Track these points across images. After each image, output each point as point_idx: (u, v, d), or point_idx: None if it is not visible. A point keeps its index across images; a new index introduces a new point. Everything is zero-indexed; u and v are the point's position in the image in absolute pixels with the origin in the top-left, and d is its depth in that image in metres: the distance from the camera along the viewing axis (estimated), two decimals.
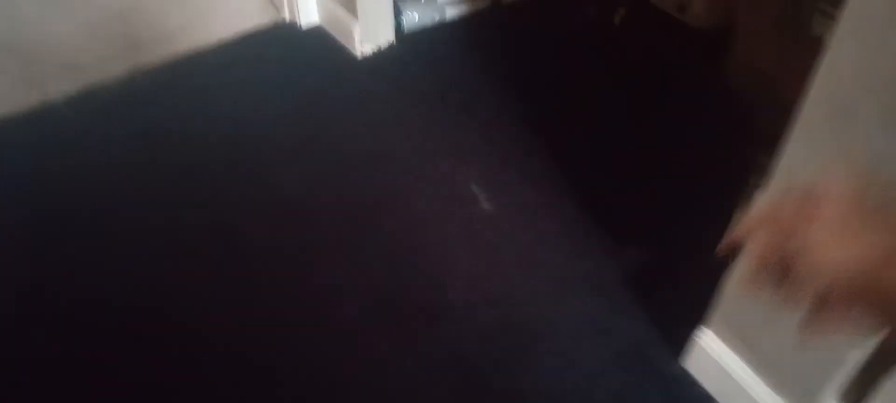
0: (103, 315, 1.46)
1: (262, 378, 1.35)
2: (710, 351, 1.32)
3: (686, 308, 1.36)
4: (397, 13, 2.14)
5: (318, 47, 2.16)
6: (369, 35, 2.09)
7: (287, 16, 2.24)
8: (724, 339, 1.30)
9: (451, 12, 2.24)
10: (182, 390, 1.34)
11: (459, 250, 1.60)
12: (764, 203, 0.79)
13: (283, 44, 2.18)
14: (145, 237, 1.60)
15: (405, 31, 2.18)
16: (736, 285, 1.22)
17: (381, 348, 1.42)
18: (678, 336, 1.38)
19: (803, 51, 1.10)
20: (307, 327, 1.45)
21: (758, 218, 0.73)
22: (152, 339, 1.41)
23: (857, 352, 1.10)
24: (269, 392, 1.34)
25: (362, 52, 2.10)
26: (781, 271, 0.68)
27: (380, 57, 2.12)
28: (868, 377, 1.16)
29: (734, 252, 0.95)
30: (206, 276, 1.53)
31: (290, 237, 1.62)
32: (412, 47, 2.16)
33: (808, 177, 1.00)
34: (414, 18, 2.17)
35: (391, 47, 2.14)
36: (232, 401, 1.34)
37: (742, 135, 1.72)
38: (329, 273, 1.55)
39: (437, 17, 2.22)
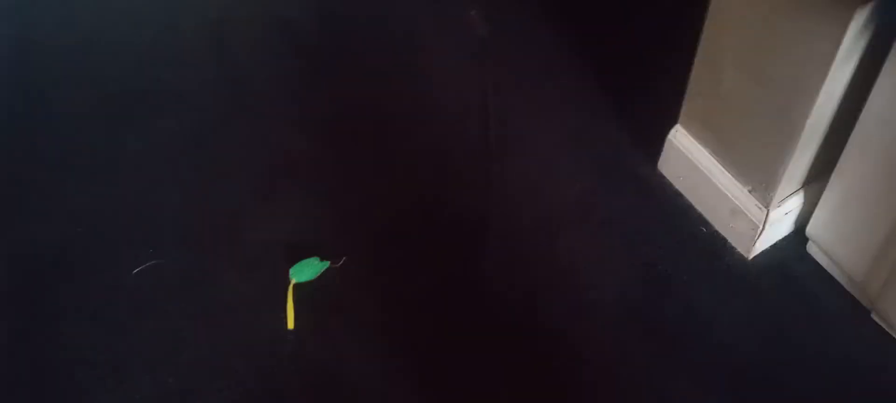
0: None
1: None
2: (681, 148, 1.37)
3: (664, 117, 1.42)
4: None
5: None
6: None
7: None
8: (693, 134, 1.36)
9: None
10: None
11: (453, 68, 1.68)
12: None
13: None
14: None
15: None
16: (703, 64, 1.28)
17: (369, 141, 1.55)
18: (656, 142, 1.44)
19: None
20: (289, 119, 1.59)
21: None
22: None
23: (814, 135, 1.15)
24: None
25: None
26: None
27: None
28: (824, 164, 1.21)
29: None
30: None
31: (293, 61, 1.73)
32: None
33: None
34: None
35: None
36: None
37: None
38: (330, 87, 1.66)
39: None
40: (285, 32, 1.78)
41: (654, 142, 1.43)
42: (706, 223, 1.36)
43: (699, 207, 1.38)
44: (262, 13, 1.83)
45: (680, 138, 1.38)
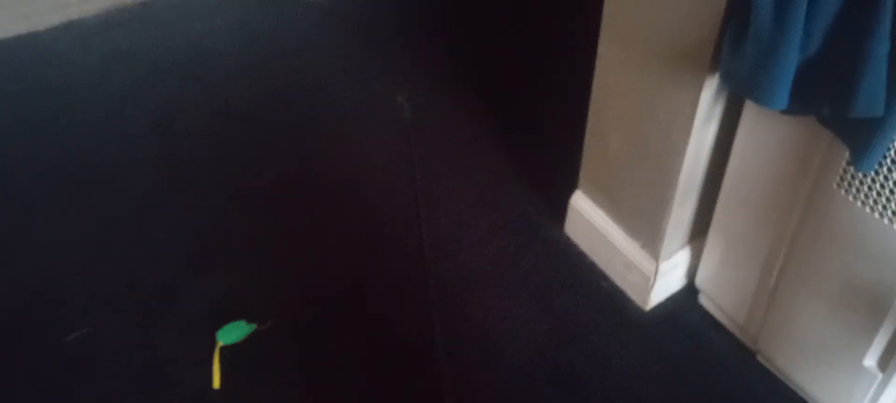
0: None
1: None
2: (581, 211, 1.51)
3: (569, 182, 1.56)
4: None
5: None
6: None
7: None
8: (590, 196, 1.50)
9: None
10: None
11: (379, 145, 1.82)
12: None
13: None
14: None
15: None
16: (592, 137, 1.43)
17: (298, 212, 1.66)
18: (562, 205, 1.58)
19: None
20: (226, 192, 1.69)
21: None
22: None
23: (689, 192, 1.30)
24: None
25: None
26: None
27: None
28: (706, 220, 1.36)
29: None
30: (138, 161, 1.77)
31: (230, 134, 1.85)
32: None
33: None
34: None
35: None
36: None
37: None
38: (263, 160, 1.78)
39: None
40: (226, 116, 1.91)
41: (561, 204, 1.57)
42: (606, 278, 1.49)
43: (600, 264, 1.51)
44: (206, 100, 1.96)
45: (580, 201, 1.51)
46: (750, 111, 1.15)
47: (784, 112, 1.04)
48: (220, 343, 1.37)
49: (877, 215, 1.02)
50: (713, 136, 1.23)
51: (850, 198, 1.05)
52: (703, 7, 1.07)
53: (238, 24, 2.26)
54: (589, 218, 1.49)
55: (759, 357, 1.35)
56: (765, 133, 1.14)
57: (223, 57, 2.12)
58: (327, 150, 1.81)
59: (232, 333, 1.39)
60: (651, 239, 1.37)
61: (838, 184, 1.06)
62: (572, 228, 1.56)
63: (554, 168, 1.70)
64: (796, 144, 1.10)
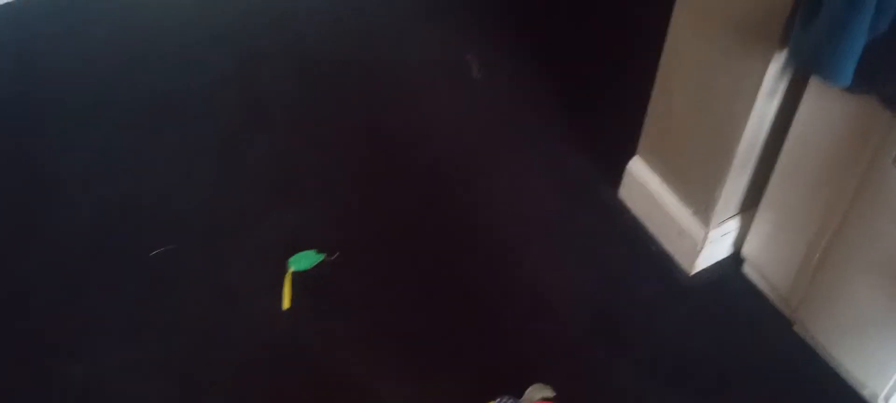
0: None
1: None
2: (637, 177, 1.58)
3: (626, 149, 1.62)
4: None
5: None
6: None
7: None
8: (648, 163, 1.56)
9: None
10: None
11: (447, 102, 1.90)
12: None
13: None
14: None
15: None
16: (656, 104, 1.49)
17: (369, 158, 1.75)
18: (618, 171, 1.64)
19: None
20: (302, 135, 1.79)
21: None
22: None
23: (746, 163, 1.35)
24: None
25: None
26: None
27: None
28: (758, 192, 1.41)
29: None
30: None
31: (308, 79, 1.95)
32: None
33: None
34: None
35: None
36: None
37: None
38: (337, 109, 1.88)
39: None
40: (305, 64, 2.00)
41: (617, 170, 1.64)
42: (655, 242, 1.56)
43: (651, 229, 1.57)
44: (288, 47, 2.05)
45: (637, 167, 1.58)
46: (813, 87, 1.21)
47: (848, 89, 1.09)
48: (292, 269, 1.48)
49: None
50: (775, 109, 1.28)
51: None
52: None
53: None
54: (644, 184, 1.56)
55: (796, 328, 1.41)
56: (826, 109, 1.20)
57: (307, 5, 2.21)
58: (397, 102, 1.90)
59: (303, 261, 1.50)
60: (704, 206, 1.43)
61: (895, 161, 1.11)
62: (627, 193, 1.63)
63: (613, 134, 1.76)
64: (856, 121, 1.15)
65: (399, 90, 1.94)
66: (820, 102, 1.21)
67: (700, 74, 1.34)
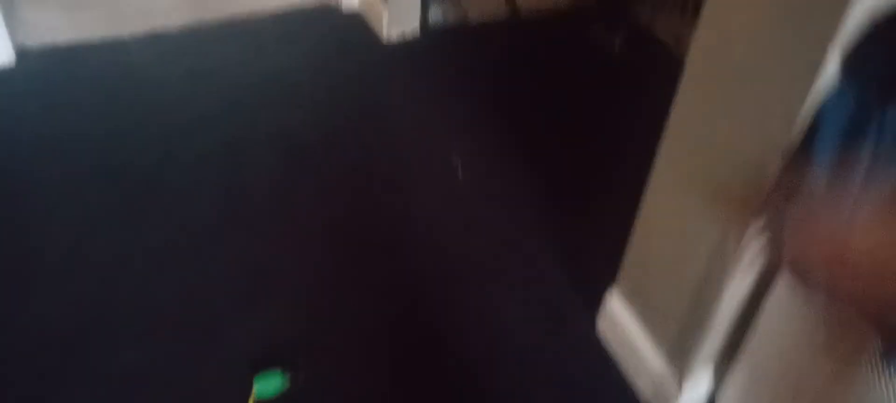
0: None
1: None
2: (615, 312, 1.55)
3: (607, 272, 1.59)
4: (425, 7, 2.44)
5: (353, 29, 2.50)
6: (396, 22, 2.40)
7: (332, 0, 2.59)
8: (626, 298, 1.53)
9: (474, 14, 2.53)
10: None
11: (429, 205, 1.88)
12: None
13: (325, 22, 2.52)
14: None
15: (430, 24, 2.48)
16: (636, 246, 1.47)
17: (347, 259, 1.73)
18: (597, 294, 1.61)
19: None
20: (289, 228, 1.77)
21: None
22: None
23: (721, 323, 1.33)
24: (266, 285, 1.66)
25: (389, 37, 2.41)
26: None
27: (403, 43, 2.43)
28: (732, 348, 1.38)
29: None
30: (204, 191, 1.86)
31: (292, 170, 1.94)
32: (433, 41, 2.48)
33: None
34: (439, 14, 2.47)
35: (415, 36, 2.45)
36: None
37: None
38: (318, 205, 1.86)
39: (460, 17, 2.51)
40: (289, 149, 1.99)
41: (595, 294, 1.61)
42: (632, 390, 1.52)
43: (628, 373, 1.54)
44: (273, 130, 2.05)
45: (615, 301, 1.55)
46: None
47: None
48: (255, 395, 1.45)
49: None
50: (754, 279, 1.26)
51: (882, 381, 1.07)
52: (758, 154, 1.10)
53: (311, 55, 2.35)
54: (622, 324, 1.53)
55: None
56: (798, 299, 1.17)
57: (295, 86, 2.20)
58: (381, 199, 1.88)
59: (268, 384, 1.46)
60: (679, 360, 1.41)
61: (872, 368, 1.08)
62: (605, 327, 1.60)
63: (594, 254, 1.74)
64: (830, 318, 1.12)
65: (382, 186, 1.92)
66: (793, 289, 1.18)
67: (679, 232, 1.31)
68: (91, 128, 1.99)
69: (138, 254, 1.70)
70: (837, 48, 0.94)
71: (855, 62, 0.92)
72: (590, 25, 2.57)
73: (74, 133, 1.96)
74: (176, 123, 2.03)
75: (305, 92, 2.20)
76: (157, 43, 2.29)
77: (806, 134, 1.01)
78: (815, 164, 0.98)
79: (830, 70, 0.96)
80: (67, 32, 2.23)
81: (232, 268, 1.69)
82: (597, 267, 1.65)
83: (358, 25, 2.53)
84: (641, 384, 1.51)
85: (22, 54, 2.15)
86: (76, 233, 1.73)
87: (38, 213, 1.76)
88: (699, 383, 1.45)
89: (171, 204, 1.81)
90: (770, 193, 1.10)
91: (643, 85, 2.37)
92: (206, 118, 2.05)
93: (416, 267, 1.73)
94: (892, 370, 1.05)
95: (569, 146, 2.12)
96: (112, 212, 1.78)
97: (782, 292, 1.21)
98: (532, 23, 2.63)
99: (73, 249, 1.69)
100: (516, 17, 2.60)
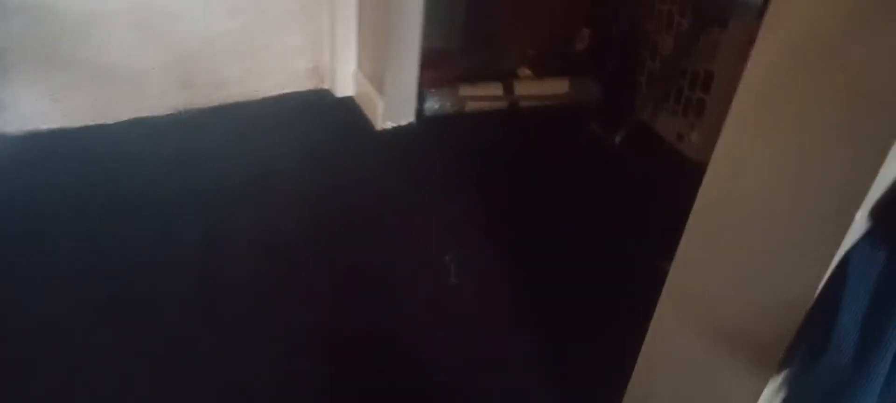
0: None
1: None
2: None
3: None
4: (421, 99, 2.38)
5: (346, 115, 2.44)
6: (392, 113, 2.34)
7: (327, 85, 2.53)
8: None
9: (471, 106, 2.48)
10: None
11: (419, 311, 1.77)
12: None
13: (317, 107, 2.46)
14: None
15: (426, 114, 2.41)
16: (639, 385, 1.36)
17: (331, 377, 1.60)
18: None
19: None
20: (271, 344, 1.65)
21: None
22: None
23: None
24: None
25: (383, 127, 2.34)
26: None
27: (398, 132, 2.37)
28: None
29: None
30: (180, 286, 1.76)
31: (274, 269, 1.83)
32: (428, 129, 2.40)
33: None
34: (435, 105, 2.42)
35: (410, 126, 2.38)
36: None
37: None
38: (301, 309, 1.75)
39: (456, 107, 2.45)
40: (272, 247, 1.89)
41: None
42: None
43: None
44: (255, 225, 1.95)
45: None
46: None
47: None
48: None
49: None
50: None
51: None
52: (778, 308, 1.01)
53: (301, 142, 2.27)
54: None
55: None
56: None
57: (280, 177, 2.12)
58: (367, 306, 1.77)
59: None
60: None
61: None
62: None
63: (592, 388, 1.63)
64: None
65: (371, 287, 1.82)
66: None
67: (684, 374, 1.21)
68: (67, 220, 1.89)
69: (99, 362, 1.57)
70: (870, 200, 0.85)
71: (889, 216, 0.84)
72: (590, 120, 2.52)
73: (49, 225, 1.87)
74: (155, 216, 1.93)
75: (292, 180, 2.12)
76: (143, 128, 2.22)
77: (830, 289, 0.92)
78: (841, 327, 0.88)
79: (860, 221, 0.87)
80: (52, 118, 2.16)
81: (204, 380, 1.57)
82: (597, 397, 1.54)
83: (351, 111, 2.47)
84: None
85: (1, 140, 2.08)
86: (41, 331, 1.61)
87: (4, 307, 1.66)
88: None
89: (138, 306, 1.69)
90: (790, 352, 1.01)
91: (644, 181, 2.30)
92: (187, 210, 1.96)
93: (403, 385, 1.61)
94: None
95: (570, 247, 2.03)
96: (81, 312, 1.66)
97: None
98: (531, 115, 2.57)
99: (37, 348, 1.57)
100: (515, 108, 2.55)
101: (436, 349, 1.69)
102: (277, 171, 2.15)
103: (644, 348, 1.31)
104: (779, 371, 1.04)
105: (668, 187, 2.22)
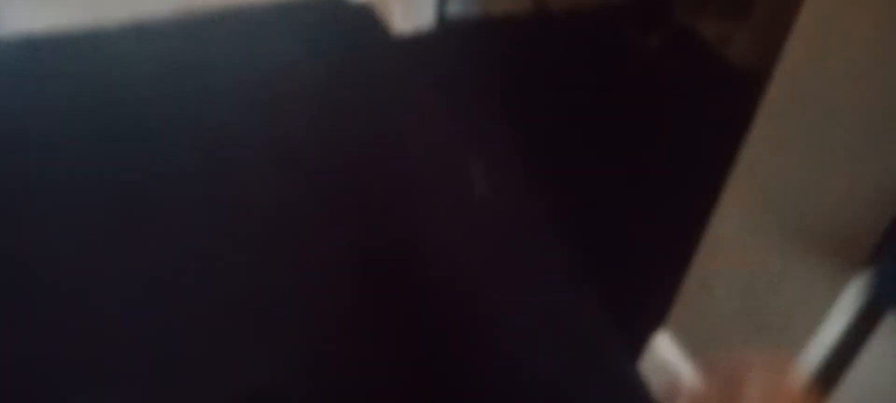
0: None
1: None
2: (665, 355, 1.31)
3: (651, 313, 1.36)
4: (443, 0, 2.21)
5: (360, 20, 2.25)
6: (410, 14, 2.16)
7: None
8: (678, 343, 1.30)
9: (497, 8, 2.30)
10: None
11: (444, 224, 1.65)
12: None
13: (327, 12, 2.27)
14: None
15: (448, 17, 2.24)
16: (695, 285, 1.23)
17: (351, 290, 1.49)
18: (638, 336, 1.38)
19: None
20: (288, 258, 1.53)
21: None
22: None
23: None
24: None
25: (400, 31, 2.17)
26: None
27: (416, 38, 2.19)
28: None
29: None
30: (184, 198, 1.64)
31: (286, 179, 1.70)
32: (450, 34, 2.23)
33: None
34: (458, 6, 2.24)
35: (431, 32, 2.21)
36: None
37: None
38: (319, 222, 1.63)
39: (481, 10, 2.28)
40: (282, 156, 1.76)
41: (637, 335, 1.37)
42: None
43: None
44: (264, 134, 1.81)
45: (665, 345, 1.32)
46: (893, 325, 0.94)
47: None
48: None
49: None
50: (841, 333, 1.02)
51: None
52: (870, 196, 0.87)
53: (311, 49, 2.11)
54: (673, 368, 1.29)
55: None
56: None
57: (289, 84, 1.97)
58: (387, 220, 1.64)
59: None
60: None
61: None
62: (651, 369, 1.36)
63: (635, 292, 1.50)
64: None
65: (389, 205, 1.69)
66: None
67: (750, 275, 1.08)
68: (65, 128, 1.76)
69: (109, 281, 1.46)
70: None
71: None
72: (624, 23, 2.33)
73: (47, 133, 1.74)
74: (159, 127, 1.79)
75: (303, 87, 1.96)
76: (141, 34, 2.06)
77: None
78: None
79: None
80: (44, 20, 2.01)
81: (218, 297, 1.45)
82: (638, 306, 1.42)
83: (366, 17, 2.28)
84: None
85: None
86: (37, 250, 1.50)
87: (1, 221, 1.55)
88: None
89: (147, 222, 1.58)
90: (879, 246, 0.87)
91: (684, 91, 2.12)
92: (192, 121, 1.82)
93: (431, 302, 1.49)
94: None
95: (601, 159, 1.88)
96: (80, 229, 1.55)
97: (882, 348, 0.98)
98: (561, 19, 2.37)
99: (33, 268, 1.46)
100: (543, 12, 2.36)
101: (460, 261, 1.57)
102: (286, 78, 1.99)
103: (700, 256, 1.18)
104: (864, 267, 0.91)
105: (709, 95, 2.07)
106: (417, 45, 2.19)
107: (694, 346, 1.26)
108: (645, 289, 1.45)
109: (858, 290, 0.94)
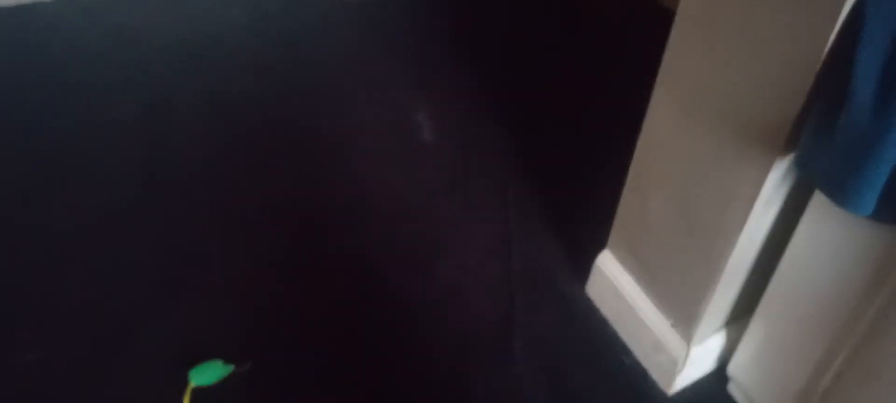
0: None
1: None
2: (608, 274, 1.35)
3: (596, 237, 1.39)
4: None
5: None
6: None
7: None
8: (620, 260, 1.33)
9: None
10: None
11: (389, 170, 1.66)
12: None
13: None
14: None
15: None
16: (631, 196, 1.26)
17: (291, 239, 1.49)
18: (585, 262, 1.42)
19: None
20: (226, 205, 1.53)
21: None
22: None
23: (736, 276, 1.13)
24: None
25: None
26: None
27: None
28: (747, 303, 1.19)
29: None
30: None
31: (222, 134, 1.69)
32: None
33: None
34: None
35: None
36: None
37: None
38: (258, 175, 1.62)
39: None
40: (224, 114, 1.74)
41: (584, 260, 1.41)
42: (628, 353, 1.32)
43: (623, 336, 1.34)
44: (205, 95, 1.79)
45: (607, 263, 1.35)
46: (820, 201, 0.99)
47: (868, 217, 0.87)
48: (193, 384, 1.22)
49: None
50: (773, 219, 1.06)
51: None
52: (783, 79, 0.90)
53: (255, 12, 2.09)
54: (616, 283, 1.33)
55: None
56: (836, 228, 0.98)
57: (232, 47, 1.96)
58: (331, 169, 1.65)
59: (206, 374, 1.23)
60: (685, 318, 1.21)
61: None
62: (595, 290, 1.40)
63: (582, 218, 1.54)
64: (874, 247, 0.93)
65: (335, 150, 1.69)
66: (829, 219, 0.99)
67: (682, 172, 1.11)
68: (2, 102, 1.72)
69: (43, 236, 1.44)
70: None
71: None
72: None
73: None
74: (93, 85, 1.77)
75: (242, 49, 1.95)
76: (77, 5, 2.02)
77: (844, 38, 0.81)
78: (857, 77, 0.78)
79: None
80: None
81: (154, 250, 1.44)
82: (586, 231, 1.44)
83: None
84: (642, 351, 1.31)
85: None
86: None
87: None
88: (709, 347, 1.26)
89: (82, 179, 1.56)
90: (798, 125, 0.91)
91: (607, 26, 2.17)
92: (128, 80, 1.79)
93: (378, 242, 1.50)
94: None
95: (553, 95, 1.91)
96: (12, 187, 1.52)
97: (811, 229, 1.02)
98: None
99: None
100: None
101: (406, 201, 1.58)
102: (224, 41, 1.98)
103: (633, 165, 1.21)
104: (785, 151, 0.94)
105: (633, 32, 2.11)
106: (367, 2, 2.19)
107: (633, 259, 1.30)
108: (590, 212, 1.48)
109: (785, 173, 0.98)
